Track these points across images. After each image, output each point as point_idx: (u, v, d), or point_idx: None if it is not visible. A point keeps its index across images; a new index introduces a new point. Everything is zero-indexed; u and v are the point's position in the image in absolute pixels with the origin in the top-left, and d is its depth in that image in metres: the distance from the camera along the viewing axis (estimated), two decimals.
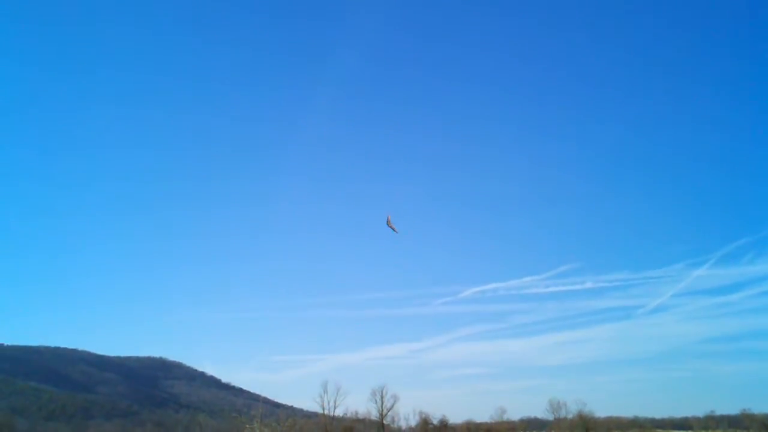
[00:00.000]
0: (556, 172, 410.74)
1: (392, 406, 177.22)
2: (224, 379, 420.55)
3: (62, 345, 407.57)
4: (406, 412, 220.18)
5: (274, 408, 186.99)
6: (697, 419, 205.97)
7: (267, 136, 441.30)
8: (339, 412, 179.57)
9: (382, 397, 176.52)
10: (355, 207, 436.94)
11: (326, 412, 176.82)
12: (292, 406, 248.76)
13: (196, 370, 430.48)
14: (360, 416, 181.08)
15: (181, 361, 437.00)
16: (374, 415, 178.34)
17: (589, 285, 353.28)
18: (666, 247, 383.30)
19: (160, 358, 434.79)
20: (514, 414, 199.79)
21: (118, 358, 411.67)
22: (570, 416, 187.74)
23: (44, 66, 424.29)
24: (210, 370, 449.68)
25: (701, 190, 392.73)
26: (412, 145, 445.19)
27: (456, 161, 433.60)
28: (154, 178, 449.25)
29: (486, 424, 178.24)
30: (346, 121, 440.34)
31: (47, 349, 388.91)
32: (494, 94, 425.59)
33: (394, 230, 58.52)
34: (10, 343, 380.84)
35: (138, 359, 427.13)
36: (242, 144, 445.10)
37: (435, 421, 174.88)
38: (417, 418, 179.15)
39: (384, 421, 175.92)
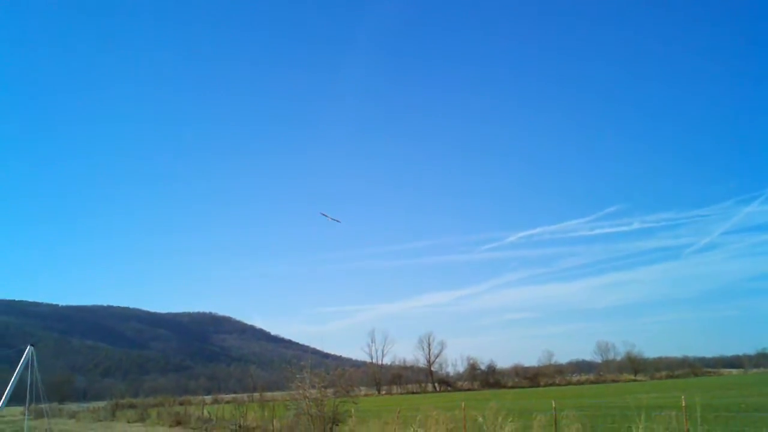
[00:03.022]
0: (599, 109, 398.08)
1: (440, 353, 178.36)
2: (273, 332, 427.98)
3: (115, 303, 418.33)
4: (454, 358, 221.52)
5: (323, 358, 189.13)
6: (749, 357, 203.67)
7: (307, 88, 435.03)
8: (387, 361, 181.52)
9: (429, 345, 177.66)
10: (397, 155, 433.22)
11: (374, 360, 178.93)
12: (340, 356, 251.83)
13: (245, 324, 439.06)
14: (408, 364, 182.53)
15: (230, 315, 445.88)
16: (422, 362, 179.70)
17: (636, 225, 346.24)
18: (715, 184, 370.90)
19: (210, 313, 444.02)
20: (562, 357, 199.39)
21: (170, 314, 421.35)
22: (618, 358, 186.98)
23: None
24: (259, 323, 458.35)
25: (749, 123, 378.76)
26: (453, 95, 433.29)
27: (502, 104, 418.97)
28: (203, 144, 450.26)
29: (534, 368, 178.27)
30: (388, 71, 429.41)
31: (101, 308, 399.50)
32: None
33: (337, 221, 58.00)
34: (65, 304, 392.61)
35: (189, 315, 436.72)
36: (286, 99, 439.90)
37: (483, 367, 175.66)
38: (465, 363, 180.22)
39: (432, 368, 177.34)
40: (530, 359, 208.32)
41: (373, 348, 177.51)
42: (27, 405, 20.84)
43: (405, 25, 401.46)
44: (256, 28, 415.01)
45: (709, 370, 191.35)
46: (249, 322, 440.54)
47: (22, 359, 18.30)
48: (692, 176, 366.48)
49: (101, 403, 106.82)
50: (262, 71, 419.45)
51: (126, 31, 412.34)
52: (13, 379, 18.47)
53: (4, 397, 18.41)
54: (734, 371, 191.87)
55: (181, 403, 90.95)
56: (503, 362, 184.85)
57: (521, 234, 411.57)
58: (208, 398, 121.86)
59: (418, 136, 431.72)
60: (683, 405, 23.01)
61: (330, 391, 38.45)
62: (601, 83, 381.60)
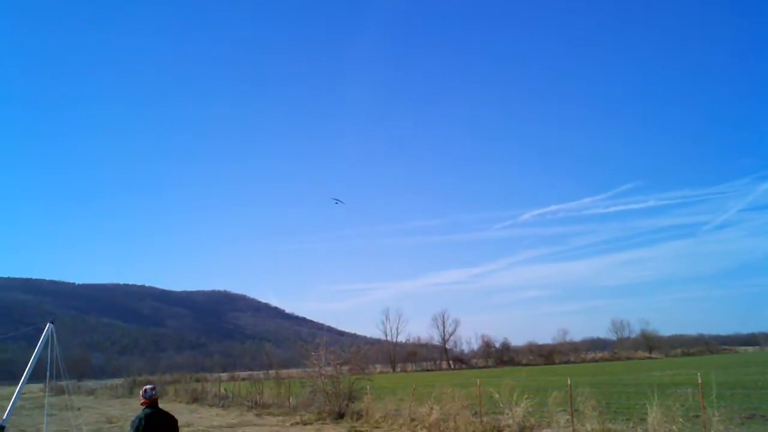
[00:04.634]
0: (614, 87, 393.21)
1: (454, 331, 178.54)
2: (288, 310, 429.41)
3: (131, 282, 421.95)
4: (468, 336, 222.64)
5: (338, 336, 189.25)
6: (765, 335, 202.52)
7: (319, 75, 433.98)
8: (402, 339, 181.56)
9: (443, 322, 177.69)
10: (409, 137, 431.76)
11: (389, 338, 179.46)
12: (355, 334, 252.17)
13: (260, 302, 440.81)
14: (422, 341, 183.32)
15: (245, 293, 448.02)
16: (436, 340, 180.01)
17: (652, 203, 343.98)
18: (731, 161, 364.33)
19: (225, 291, 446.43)
20: (577, 335, 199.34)
21: (185, 292, 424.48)
22: (633, 335, 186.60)
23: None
24: (274, 301, 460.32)
25: (765, 100, 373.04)
26: (466, 69, 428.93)
27: (513, 82, 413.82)
28: (216, 128, 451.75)
29: (548, 345, 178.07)
30: (400, 47, 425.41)
31: (117, 286, 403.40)
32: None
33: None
34: (81, 282, 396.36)
35: (203, 293, 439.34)
36: (300, 82, 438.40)
37: (497, 344, 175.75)
38: (479, 341, 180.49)
39: (446, 346, 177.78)
40: (545, 337, 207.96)
41: (388, 326, 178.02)
42: (47, 382, 21.06)
43: (412, 14, 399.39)
44: (266, 19, 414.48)
45: (725, 347, 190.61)
46: (264, 300, 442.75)
47: (42, 336, 18.45)
48: (709, 153, 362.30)
49: (119, 380, 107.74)
50: (278, 60, 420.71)
51: (146, 21, 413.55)
52: (33, 356, 18.64)
53: (24, 375, 18.61)
54: (750, 349, 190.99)
55: (197, 380, 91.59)
56: (517, 340, 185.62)
57: (535, 212, 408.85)
58: (225, 375, 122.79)
59: (430, 118, 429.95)
60: (699, 382, 22.98)
61: (345, 368, 38.71)
62: (616, 61, 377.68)
